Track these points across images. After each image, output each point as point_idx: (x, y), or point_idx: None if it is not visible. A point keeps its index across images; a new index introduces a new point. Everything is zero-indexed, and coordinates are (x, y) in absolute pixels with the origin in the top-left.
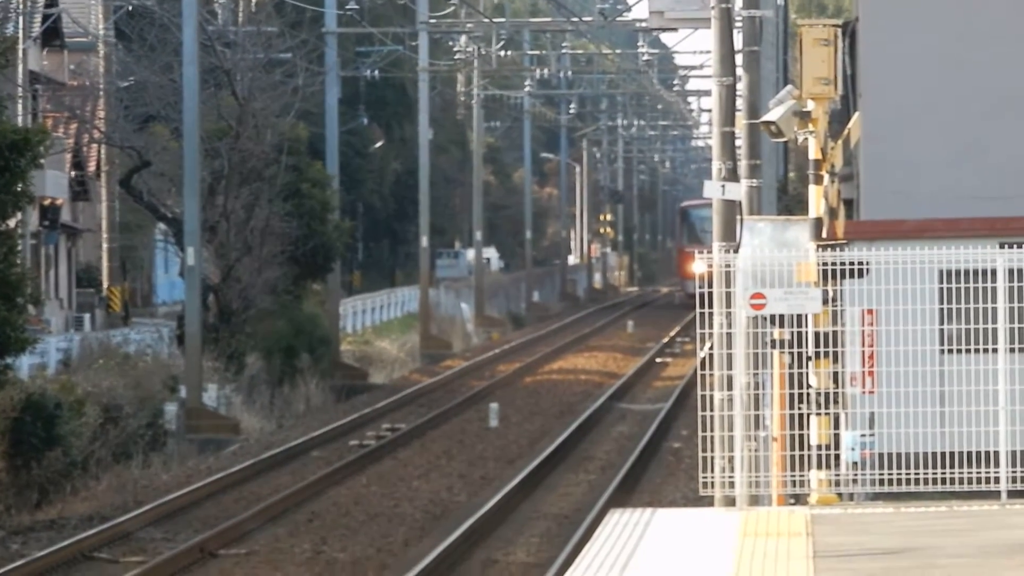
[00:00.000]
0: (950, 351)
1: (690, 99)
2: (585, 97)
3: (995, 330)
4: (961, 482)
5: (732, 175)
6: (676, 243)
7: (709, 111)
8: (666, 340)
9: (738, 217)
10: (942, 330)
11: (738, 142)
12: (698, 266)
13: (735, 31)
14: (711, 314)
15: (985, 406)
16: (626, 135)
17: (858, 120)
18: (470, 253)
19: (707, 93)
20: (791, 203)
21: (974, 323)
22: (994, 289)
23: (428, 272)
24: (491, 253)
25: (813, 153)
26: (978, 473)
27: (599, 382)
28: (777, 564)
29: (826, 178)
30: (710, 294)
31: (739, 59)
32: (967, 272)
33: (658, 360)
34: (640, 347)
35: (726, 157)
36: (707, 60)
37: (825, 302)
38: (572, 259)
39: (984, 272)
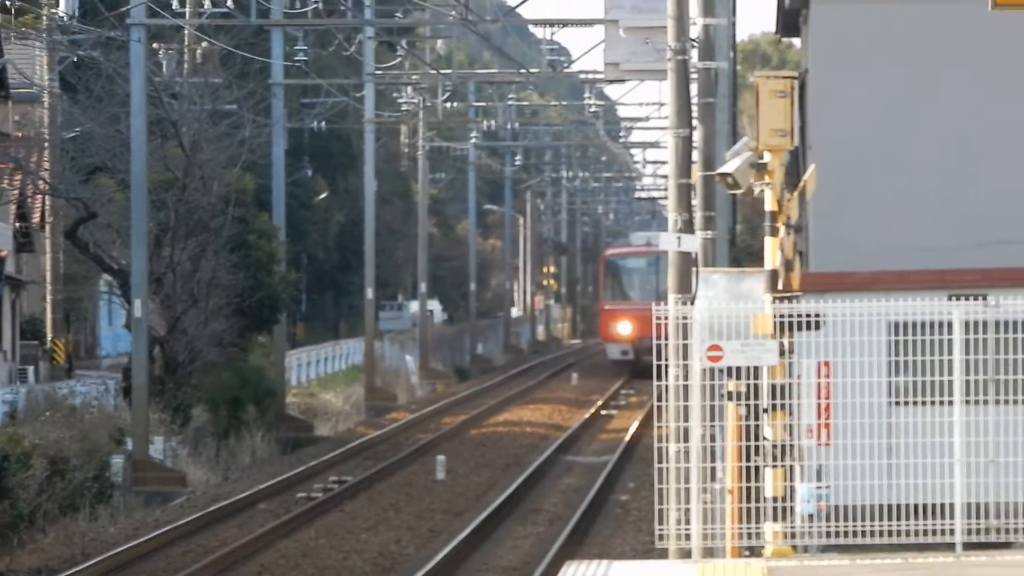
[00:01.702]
0: (904, 403)
1: (634, 151)
2: (530, 149)
3: (944, 382)
4: (915, 534)
5: (688, 227)
6: (598, 298)
7: (654, 163)
8: (610, 392)
9: (693, 269)
10: (892, 382)
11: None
12: (625, 327)
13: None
14: (666, 365)
15: (936, 458)
16: (570, 187)
17: (813, 173)
18: (413, 305)
19: (652, 145)
20: (739, 255)
21: (925, 375)
22: (942, 341)
23: (373, 324)
24: (435, 305)
25: (769, 205)
26: (932, 525)
27: (545, 434)
28: None
29: (782, 230)
30: (664, 346)
31: (694, 111)
32: (917, 324)
33: (603, 412)
34: (585, 399)
35: (682, 209)
36: (652, 112)
37: (781, 354)
38: (515, 311)
39: (933, 324)
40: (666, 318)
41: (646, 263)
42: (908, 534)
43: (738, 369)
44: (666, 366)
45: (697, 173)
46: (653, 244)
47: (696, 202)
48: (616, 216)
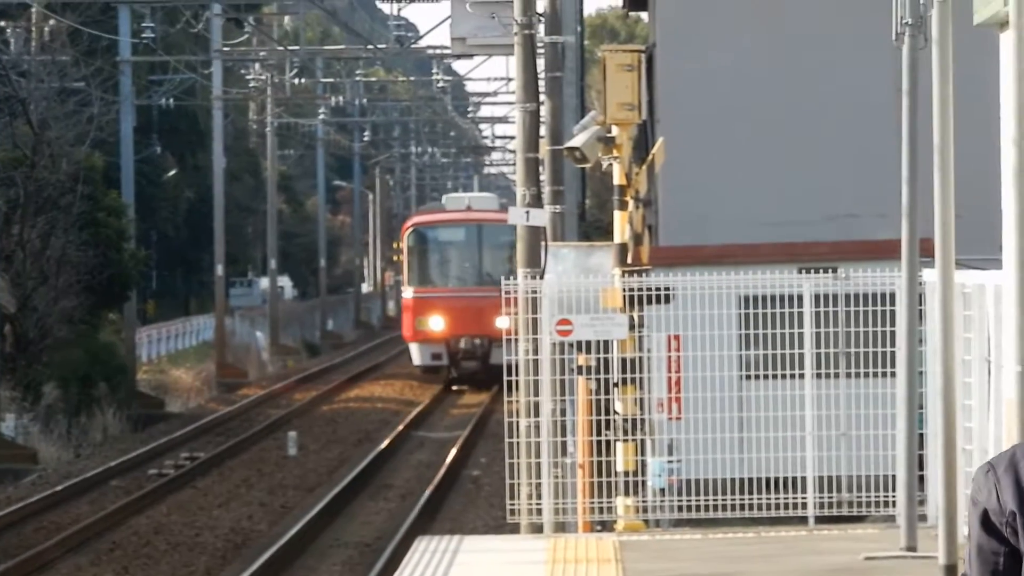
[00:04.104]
0: (754, 377)
1: (482, 126)
2: (378, 125)
3: (795, 355)
4: (768, 508)
5: (536, 201)
6: (399, 280)
7: (503, 138)
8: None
9: (543, 243)
10: (743, 356)
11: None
12: (436, 323)
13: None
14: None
15: (788, 431)
16: (419, 162)
17: (661, 146)
18: (263, 281)
19: (501, 120)
20: (589, 229)
21: (776, 348)
22: (793, 314)
23: (223, 301)
24: (284, 281)
25: (618, 179)
26: (785, 499)
27: (396, 410)
28: None
29: (631, 204)
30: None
31: (541, 85)
32: (767, 298)
33: (454, 388)
34: (435, 375)
35: (530, 183)
36: (500, 87)
37: (631, 328)
38: (366, 287)
39: (783, 297)
40: (515, 293)
41: (465, 235)
42: (761, 508)
43: (588, 343)
44: (516, 341)
45: (545, 147)
46: (475, 209)
47: (544, 176)
48: (465, 191)
